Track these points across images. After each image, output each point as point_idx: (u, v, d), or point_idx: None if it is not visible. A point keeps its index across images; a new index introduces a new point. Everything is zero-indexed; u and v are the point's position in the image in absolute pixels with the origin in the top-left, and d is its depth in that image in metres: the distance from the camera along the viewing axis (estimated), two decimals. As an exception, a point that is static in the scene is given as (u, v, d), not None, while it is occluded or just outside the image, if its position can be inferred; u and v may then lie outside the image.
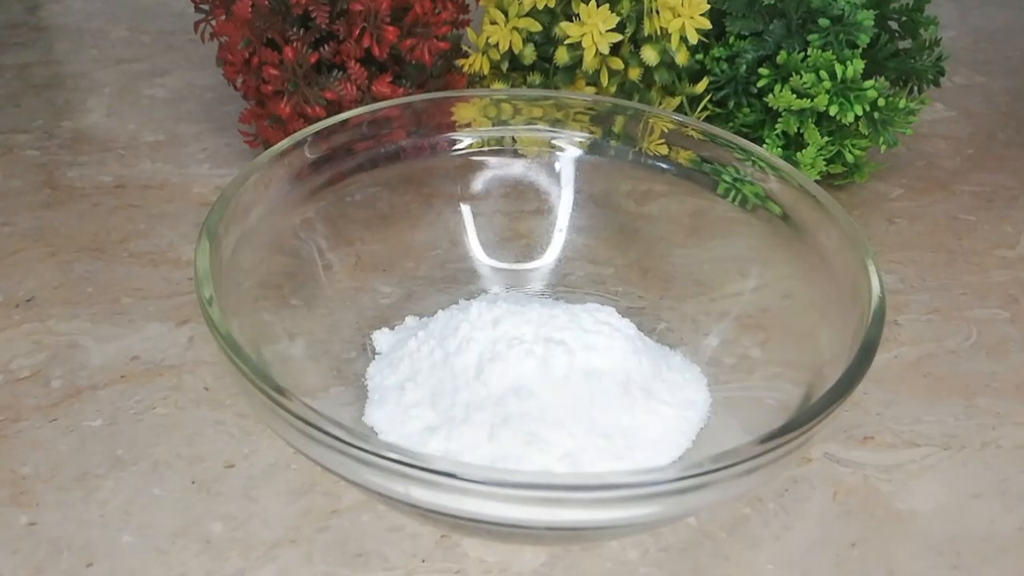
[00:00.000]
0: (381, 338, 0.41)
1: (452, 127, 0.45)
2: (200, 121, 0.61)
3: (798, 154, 0.49)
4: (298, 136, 0.40)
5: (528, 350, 0.36)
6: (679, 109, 0.51)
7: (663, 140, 0.44)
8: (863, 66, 0.47)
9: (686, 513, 0.33)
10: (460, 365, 0.37)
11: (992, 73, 0.71)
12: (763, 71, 0.49)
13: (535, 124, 0.45)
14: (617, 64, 0.49)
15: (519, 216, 0.47)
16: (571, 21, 0.48)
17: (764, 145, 0.49)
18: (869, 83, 0.47)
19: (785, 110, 0.48)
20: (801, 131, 0.49)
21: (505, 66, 0.51)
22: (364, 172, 0.43)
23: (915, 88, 0.54)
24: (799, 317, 0.39)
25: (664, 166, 0.44)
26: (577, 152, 0.45)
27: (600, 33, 0.47)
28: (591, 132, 0.45)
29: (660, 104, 0.51)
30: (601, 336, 0.38)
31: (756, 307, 0.41)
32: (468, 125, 0.45)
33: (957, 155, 0.61)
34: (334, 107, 0.50)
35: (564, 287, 0.45)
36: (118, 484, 0.37)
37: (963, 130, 0.64)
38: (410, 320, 0.42)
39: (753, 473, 0.28)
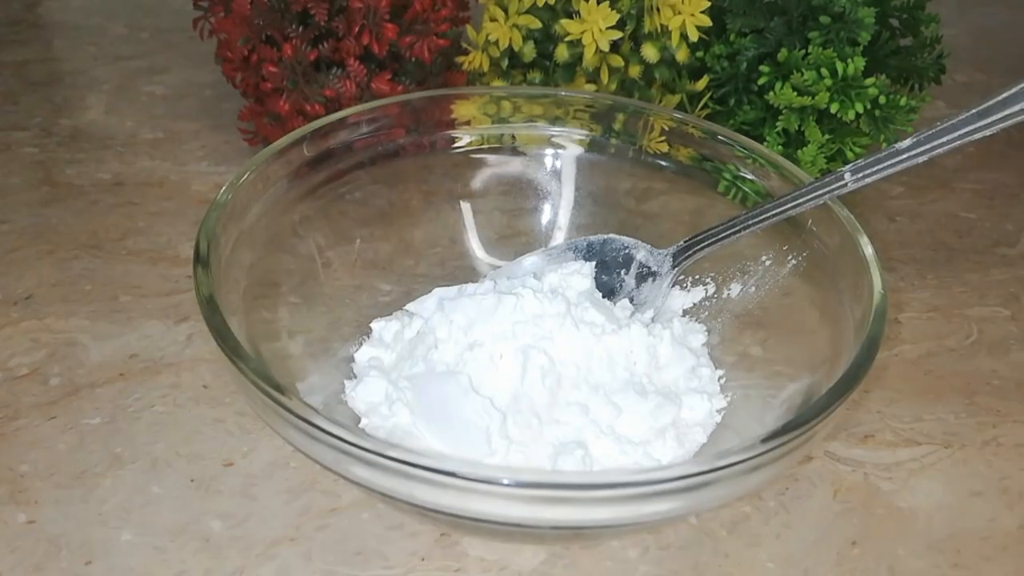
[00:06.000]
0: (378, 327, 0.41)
1: (451, 125, 0.45)
2: (199, 118, 0.61)
3: (799, 152, 0.49)
4: (297, 133, 0.40)
5: (541, 346, 0.36)
6: (679, 107, 0.51)
7: (663, 138, 0.44)
8: (864, 63, 0.47)
9: (688, 512, 0.33)
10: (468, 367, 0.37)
11: (993, 71, 0.71)
12: (764, 68, 0.49)
13: (535, 122, 0.45)
14: (617, 61, 0.49)
15: (518, 214, 0.47)
16: (571, 18, 0.48)
17: (765, 143, 0.49)
18: (870, 80, 0.47)
19: (786, 108, 0.48)
20: (802, 129, 0.49)
21: (505, 63, 0.51)
22: (363, 169, 0.43)
23: (916, 86, 0.53)
24: (800, 315, 0.39)
25: (664, 164, 0.44)
26: (577, 150, 0.45)
27: (600, 30, 0.47)
28: (591, 130, 0.45)
29: (660, 102, 0.51)
30: (617, 330, 0.38)
31: (756, 305, 0.41)
32: (468, 123, 0.45)
33: (958, 153, 0.61)
34: (333, 104, 0.50)
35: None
36: (117, 482, 0.37)
37: (963, 128, 0.64)
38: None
39: (756, 472, 0.28)
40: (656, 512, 0.29)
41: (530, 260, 0.44)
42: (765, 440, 0.28)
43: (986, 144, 0.62)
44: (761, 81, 0.49)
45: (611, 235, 0.43)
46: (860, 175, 0.35)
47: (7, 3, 0.75)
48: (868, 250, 0.35)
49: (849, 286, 0.36)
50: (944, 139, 0.33)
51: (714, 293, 0.43)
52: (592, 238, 0.44)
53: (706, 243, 0.40)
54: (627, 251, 0.43)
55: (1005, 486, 0.39)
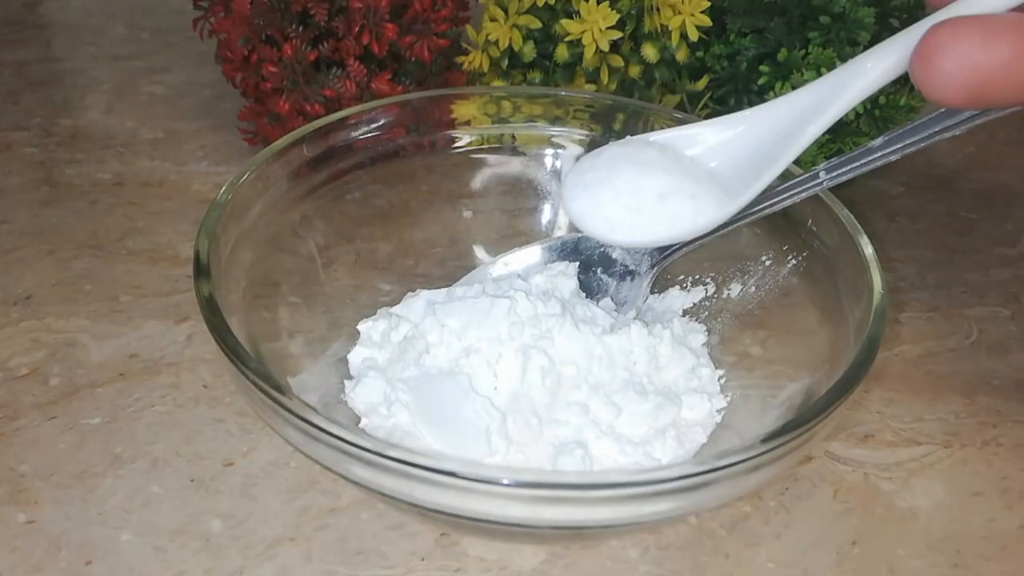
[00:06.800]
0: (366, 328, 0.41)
1: (451, 125, 0.45)
2: (199, 118, 0.61)
3: (798, 152, 0.49)
4: (297, 133, 0.40)
5: (539, 346, 0.36)
6: (679, 107, 0.51)
7: (663, 138, 0.44)
8: (864, 63, 0.47)
9: (688, 512, 0.33)
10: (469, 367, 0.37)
11: (992, 71, 0.71)
12: (764, 68, 0.49)
13: (535, 122, 0.45)
14: (617, 61, 0.49)
15: (518, 214, 0.47)
16: (571, 18, 0.48)
17: (764, 143, 0.49)
18: (870, 80, 0.47)
19: (786, 108, 0.48)
20: (801, 129, 0.49)
21: (505, 63, 0.51)
22: (363, 169, 0.43)
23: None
24: (800, 315, 0.39)
25: (664, 163, 0.44)
26: (577, 150, 0.45)
27: (600, 30, 0.47)
28: (591, 130, 0.45)
29: (660, 102, 0.51)
30: (617, 330, 0.38)
31: (756, 305, 0.41)
32: (467, 123, 0.45)
33: (958, 153, 0.61)
34: (333, 104, 0.50)
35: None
36: (117, 482, 0.37)
37: (963, 128, 0.64)
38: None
39: (756, 472, 0.28)
40: (656, 512, 0.29)
41: (506, 259, 0.44)
42: (765, 440, 0.28)
43: (986, 144, 0.62)
44: (761, 81, 0.49)
45: (583, 234, 0.43)
46: (834, 173, 0.35)
47: (7, 3, 0.75)
48: (868, 250, 0.35)
49: (849, 286, 0.36)
50: (916, 137, 0.33)
51: (714, 293, 0.43)
52: (565, 237, 0.43)
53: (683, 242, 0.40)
54: (602, 249, 0.42)
55: (1005, 486, 0.39)
